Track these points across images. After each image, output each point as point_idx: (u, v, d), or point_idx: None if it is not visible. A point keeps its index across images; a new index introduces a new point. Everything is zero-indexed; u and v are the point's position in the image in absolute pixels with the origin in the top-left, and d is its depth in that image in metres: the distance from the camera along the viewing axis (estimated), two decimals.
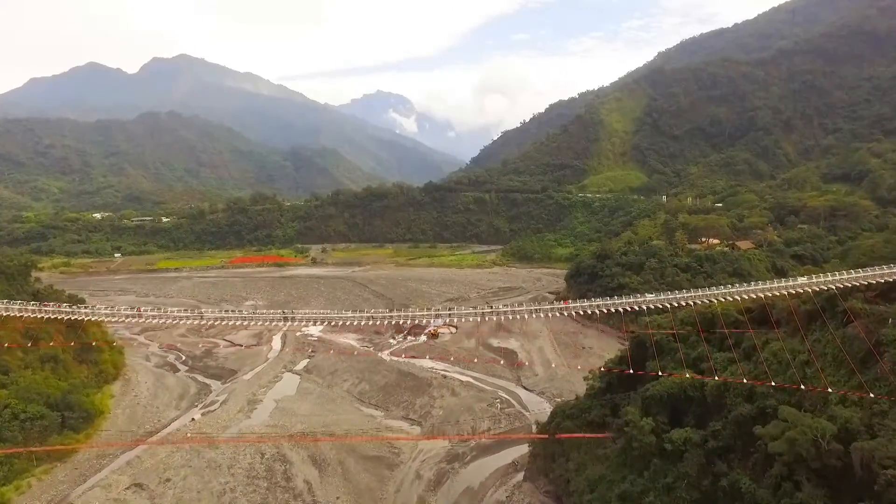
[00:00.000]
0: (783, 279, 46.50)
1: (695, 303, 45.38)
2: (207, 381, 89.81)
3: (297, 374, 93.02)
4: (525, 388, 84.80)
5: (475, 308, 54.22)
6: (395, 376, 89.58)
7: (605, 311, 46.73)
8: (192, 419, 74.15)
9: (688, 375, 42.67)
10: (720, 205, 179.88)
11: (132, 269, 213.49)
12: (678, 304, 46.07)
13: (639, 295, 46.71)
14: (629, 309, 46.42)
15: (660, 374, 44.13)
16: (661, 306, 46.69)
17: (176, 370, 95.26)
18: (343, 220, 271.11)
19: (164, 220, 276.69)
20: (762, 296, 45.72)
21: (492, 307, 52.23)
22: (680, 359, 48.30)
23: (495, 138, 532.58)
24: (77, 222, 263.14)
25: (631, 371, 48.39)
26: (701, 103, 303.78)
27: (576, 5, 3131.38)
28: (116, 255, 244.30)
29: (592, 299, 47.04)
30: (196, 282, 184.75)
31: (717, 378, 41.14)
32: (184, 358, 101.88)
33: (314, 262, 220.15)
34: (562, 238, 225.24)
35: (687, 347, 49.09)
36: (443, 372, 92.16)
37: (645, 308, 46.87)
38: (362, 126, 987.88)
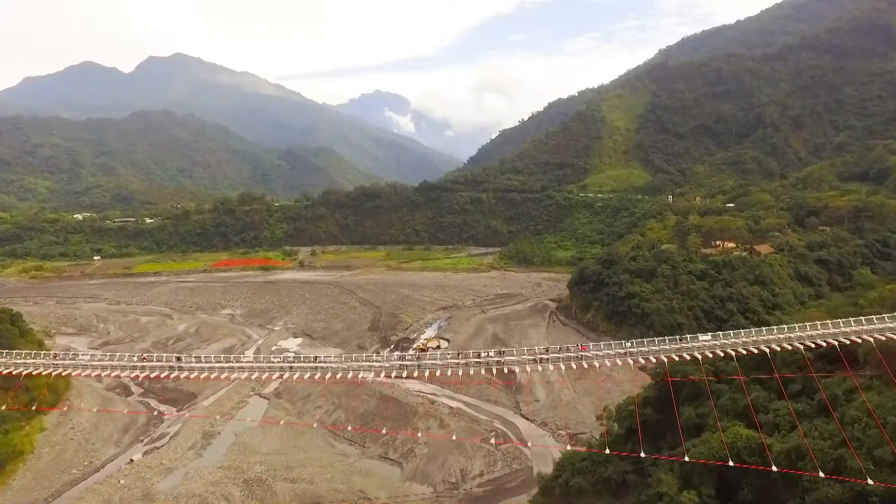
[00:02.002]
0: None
1: (770, 349, 34.12)
2: (161, 407, 78.61)
3: (265, 398, 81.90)
4: (524, 416, 73.83)
5: (456, 355, 42.21)
6: (375, 402, 78.47)
7: (645, 361, 35.33)
8: (131, 460, 62.82)
9: (774, 469, 30.17)
10: (732, 205, 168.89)
11: (109, 273, 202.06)
12: (745, 350, 34.79)
13: (688, 337, 35.09)
14: (676, 357, 35.01)
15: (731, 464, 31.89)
16: (720, 353, 35.34)
17: (128, 393, 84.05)
18: (334, 221, 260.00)
19: (148, 220, 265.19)
20: (869, 338, 34.39)
21: (480, 355, 41.10)
22: (725, 406, 37.44)
23: (493, 137, 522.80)
24: (56, 223, 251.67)
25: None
26: (706, 100, 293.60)
27: (572, 6, 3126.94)
28: (96, 257, 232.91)
29: (625, 343, 35.68)
30: (174, 287, 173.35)
31: (820, 474, 28.43)
32: (140, 378, 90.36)
33: (302, 266, 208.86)
34: (562, 240, 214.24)
35: (734, 390, 38.14)
36: (430, 396, 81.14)
37: (699, 356, 35.38)
38: (360, 126, 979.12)
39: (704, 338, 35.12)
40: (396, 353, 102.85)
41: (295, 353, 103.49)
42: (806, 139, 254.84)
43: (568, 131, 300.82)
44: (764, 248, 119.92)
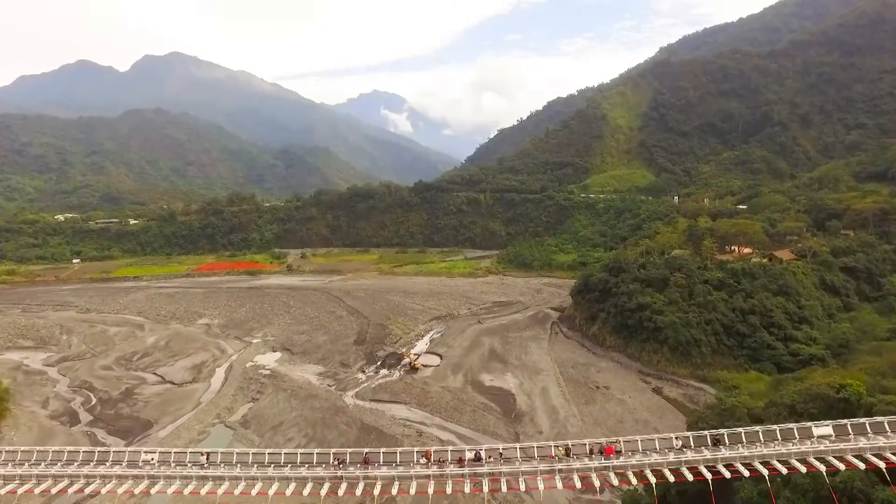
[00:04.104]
0: None
1: None
2: (108, 439, 68.55)
3: (230, 427, 71.87)
4: None
5: (426, 461, 30.09)
6: (354, 433, 68.58)
7: (731, 473, 24.44)
8: None
9: None
10: (744, 207, 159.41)
11: (85, 277, 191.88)
12: None
13: (795, 430, 23.42)
14: (783, 468, 23.38)
15: None
16: (860, 465, 23.13)
17: (75, 422, 73.99)
18: (325, 223, 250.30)
19: (132, 222, 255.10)
20: None
21: (463, 458, 29.75)
22: (801, 485, 27.66)
23: (492, 136, 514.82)
24: (35, 224, 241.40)
25: None
26: (711, 97, 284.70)
27: (568, 6, 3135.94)
28: (75, 260, 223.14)
29: (685, 438, 24.36)
30: (152, 293, 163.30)
31: None
32: (94, 401, 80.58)
33: (290, 270, 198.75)
34: (563, 243, 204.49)
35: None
36: (419, 425, 71.28)
37: (821, 467, 23.55)
38: (357, 125, 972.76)
39: (823, 431, 23.69)
40: (383, 370, 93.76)
41: (271, 370, 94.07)
42: (815, 138, 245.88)
43: (568, 130, 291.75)
44: (784, 254, 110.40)
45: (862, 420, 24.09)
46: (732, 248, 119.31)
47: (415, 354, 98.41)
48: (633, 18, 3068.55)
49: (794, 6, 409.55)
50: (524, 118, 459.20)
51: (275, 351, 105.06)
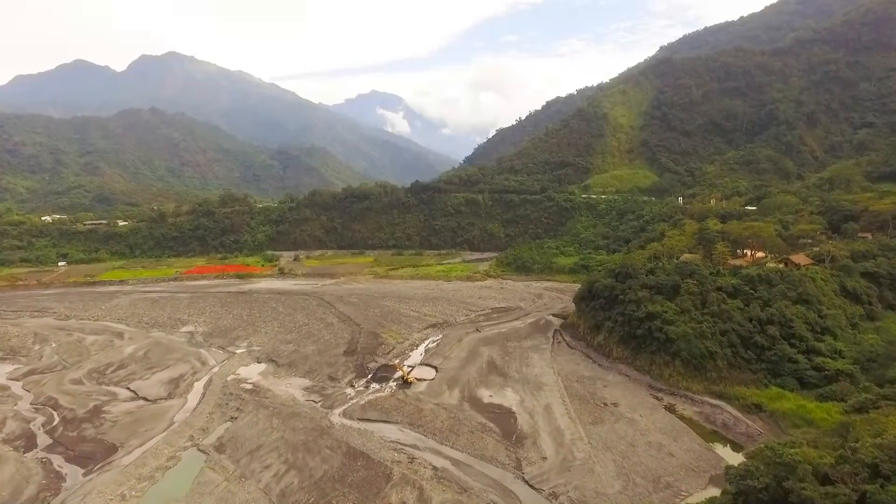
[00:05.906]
0: None
1: None
2: (65, 467, 61.91)
3: (203, 451, 65.24)
4: (528, 482, 57.34)
5: None
6: (339, 459, 61.97)
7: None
8: None
9: None
10: (753, 208, 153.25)
11: (68, 281, 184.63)
12: None
13: None
14: None
15: None
16: None
17: (31, 447, 67.28)
18: (320, 224, 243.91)
19: (121, 223, 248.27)
20: None
21: None
22: None
23: (490, 136, 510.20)
24: (21, 226, 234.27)
25: None
26: (714, 96, 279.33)
27: (564, 7, 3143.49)
28: (61, 263, 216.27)
29: None
30: (136, 298, 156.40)
31: None
32: (56, 421, 73.81)
33: (281, 274, 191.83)
34: (564, 245, 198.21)
35: None
36: (411, 448, 64.75)
37: None
38: (355, 126, 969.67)
39: None
40: (373, 384, 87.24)
41: (254, 384, 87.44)
42: (821, 137, 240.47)
43: (569, 129, 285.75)
44: (800, 259, 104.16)
45: None
46: (745, 252, 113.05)
47: (408, 367, 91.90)
48: (629, 20, 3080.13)
49: (796, 4, 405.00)
50: (523, 118, 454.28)
51: (259, 362, 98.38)
